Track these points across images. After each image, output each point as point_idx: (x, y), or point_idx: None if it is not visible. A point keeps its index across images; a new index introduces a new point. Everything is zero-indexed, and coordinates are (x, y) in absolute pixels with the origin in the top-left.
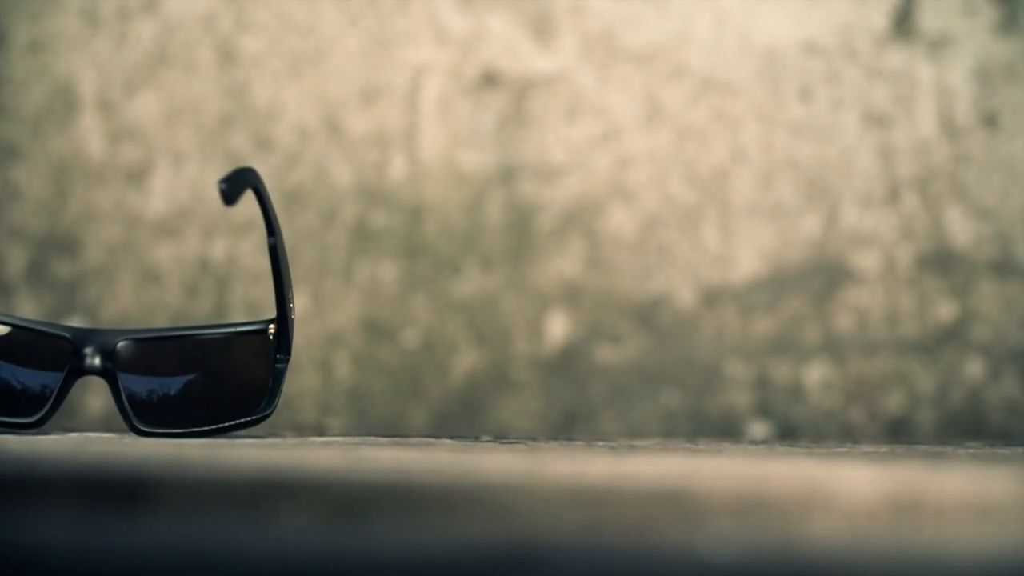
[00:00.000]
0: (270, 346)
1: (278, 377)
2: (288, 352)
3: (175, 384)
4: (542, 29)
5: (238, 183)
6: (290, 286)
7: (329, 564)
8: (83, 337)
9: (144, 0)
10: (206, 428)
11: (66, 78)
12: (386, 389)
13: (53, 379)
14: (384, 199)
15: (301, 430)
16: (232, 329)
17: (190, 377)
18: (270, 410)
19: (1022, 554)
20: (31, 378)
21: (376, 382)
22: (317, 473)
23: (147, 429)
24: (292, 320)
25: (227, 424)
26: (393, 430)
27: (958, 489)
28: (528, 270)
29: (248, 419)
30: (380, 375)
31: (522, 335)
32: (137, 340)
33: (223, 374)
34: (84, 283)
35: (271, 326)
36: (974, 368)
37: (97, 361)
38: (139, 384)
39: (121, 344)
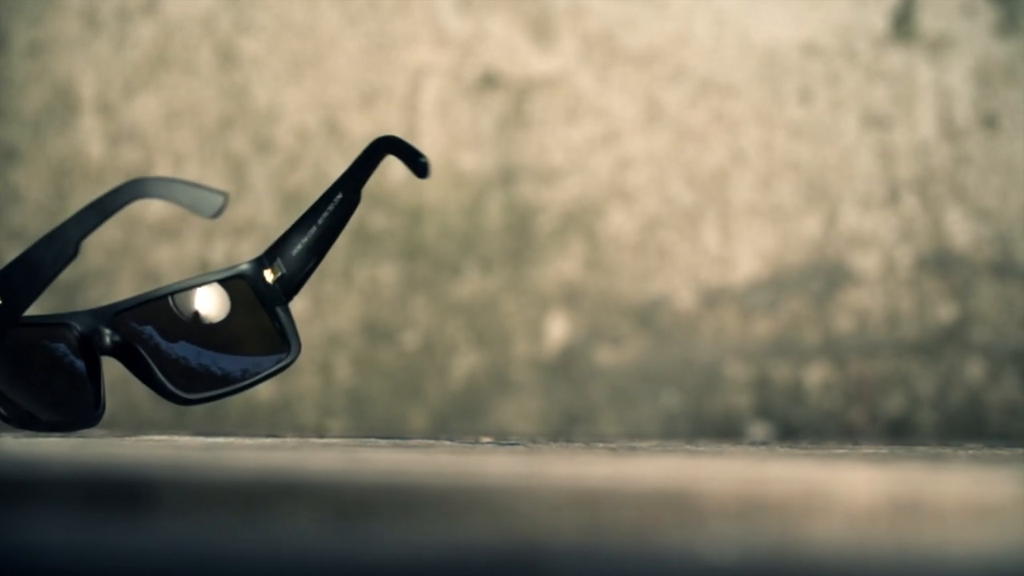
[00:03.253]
0: (271, 286)
1: (288, 316)
2: (292, 294)
3: (194, 343)
4: (542, 31)
5: None
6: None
7: (329, 566)
8: (83, 320)
9: (143, 2)
10: (244, 383)
11: (66, 80)
12: (386, 391)
13: (77, 372)
14: (384, 201)
15: (301, 432)
16: (225, 274)
17: (205, 332)
18: (298, 352)
19: (1022, 556)
20: (52, 376)
21: (376, 384)
22: (317, 475)
23: (190, 396)
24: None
25: (262, 374)
26: (393, 432)
27: (958, 490)
28: (528, 271)
29: (280, 366)
30: (380, 377)
31: (522, 336)
32: (137, 307)
33: (233, 323)
34: (84, 285)
35: (267, 270)
36: (974, 369)
37: (108, 339)
38: (162, 351)
39: (125, 316)
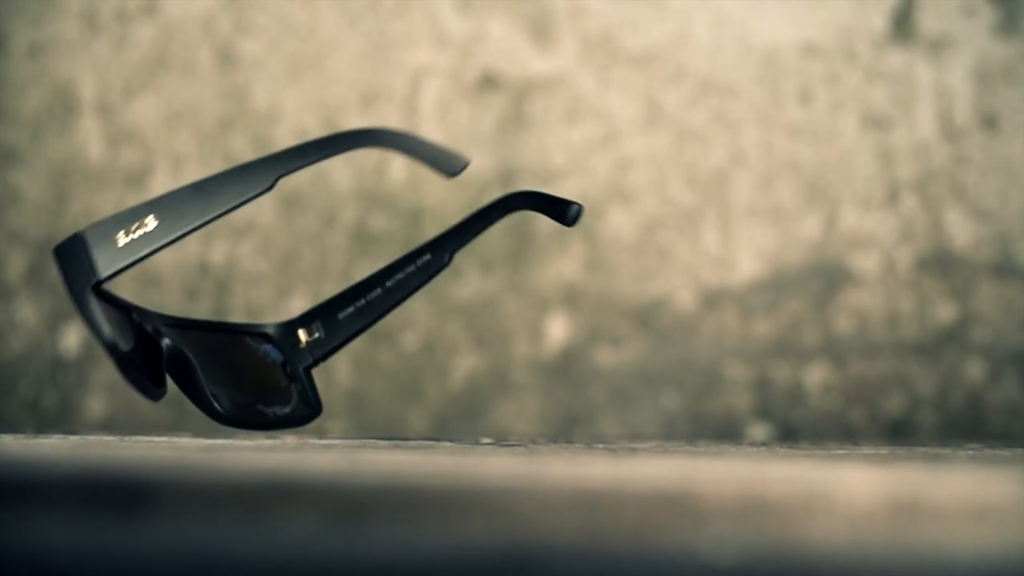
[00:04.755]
0: (299, 349)
1: (309, 378)
2: (323, 359)
3: (230, 373)
4: (541, 31)
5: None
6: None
7: (329, 567)
8: (143, 315)
9: (143, 3)
10: (265, 426)
11: (66, 81)
12: (386, 392)
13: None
14: (384, 201)
15: (301, 432)
16: (252, 330)
17: (234, 371)
18: (318, 412)
19: (1022, 556)
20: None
21: (376, 385)
22: (317, 476)
23: (227, 415)
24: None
25: (281, 426)
26: (393, 433)
27: (958, 491)
28: (528, 272)
29: (297, 423)
30: (380, 378)
31: (522, 337)
32: (179, 326)
33: (258, 373)
34: None
35: (301, 331)
36: (974, 370)
37: (167, 341)
38: (208, 367)
39: (171, 329)
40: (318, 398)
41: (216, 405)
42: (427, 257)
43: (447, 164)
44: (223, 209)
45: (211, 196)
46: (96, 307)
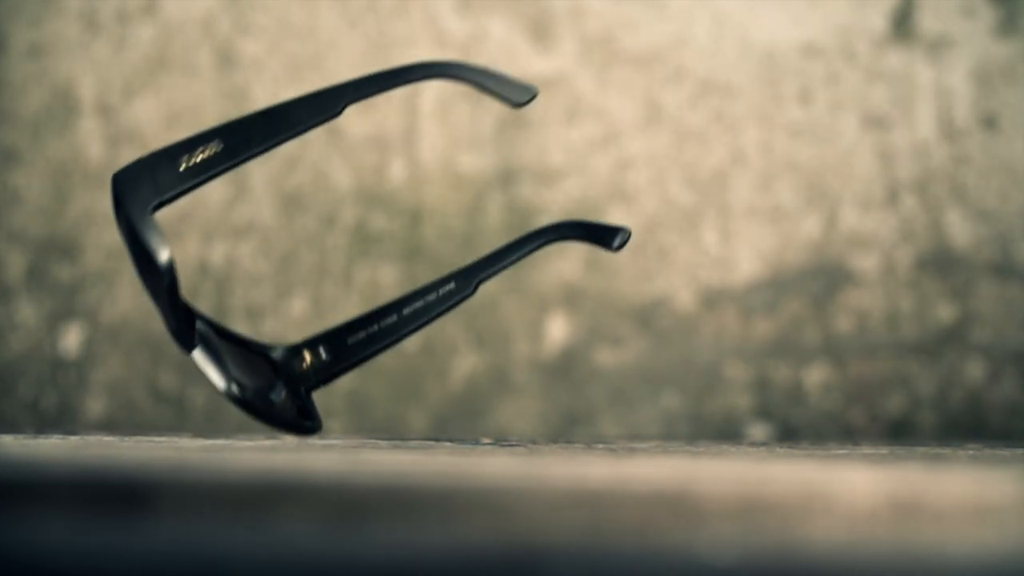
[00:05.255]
0: (302, 371)
1: (309, 398)
2: (327, 381)
3: (245, 363)
4: (541, 32)
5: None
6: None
7: (329, 567)
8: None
9: (143, 3)
10: (270, 423)
11: (65, 82)
12: (386, 392)
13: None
14: (384, 202)
15: None
16: (257, 348)
17: (245, 371)
18: (318, 428)
19: (1022, 556)
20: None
21: (376, 385)
22: (317, 476)
23: (237, 393)
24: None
25: (281, 430)
26: (393, 433)
27: (958, 491)
28: (528, 273)
29: (297, 433)
30: (380, 378)
31: (522, 337)
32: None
33: (264, 382)
34: (84, 286)
35: (307, 353)
36: (974, 369)
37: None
38: (228, 353)
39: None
40: (318, 417)
41: (234, 387)
42: (451, 286)
43: (514, 93)
44: (290, 133)
45: (279, 121)
46: (154, 227)
